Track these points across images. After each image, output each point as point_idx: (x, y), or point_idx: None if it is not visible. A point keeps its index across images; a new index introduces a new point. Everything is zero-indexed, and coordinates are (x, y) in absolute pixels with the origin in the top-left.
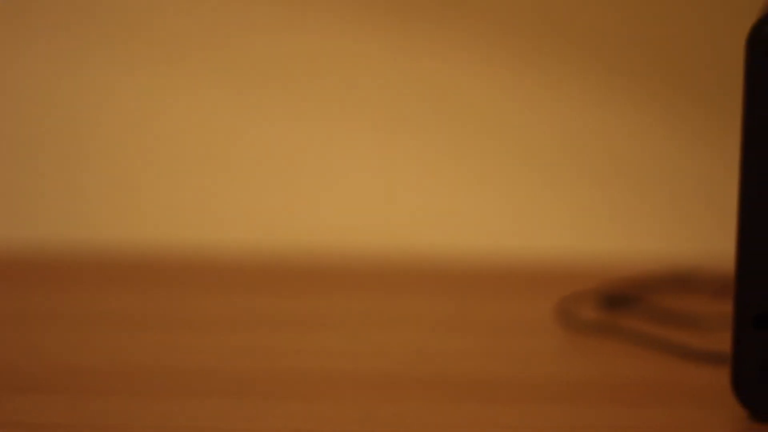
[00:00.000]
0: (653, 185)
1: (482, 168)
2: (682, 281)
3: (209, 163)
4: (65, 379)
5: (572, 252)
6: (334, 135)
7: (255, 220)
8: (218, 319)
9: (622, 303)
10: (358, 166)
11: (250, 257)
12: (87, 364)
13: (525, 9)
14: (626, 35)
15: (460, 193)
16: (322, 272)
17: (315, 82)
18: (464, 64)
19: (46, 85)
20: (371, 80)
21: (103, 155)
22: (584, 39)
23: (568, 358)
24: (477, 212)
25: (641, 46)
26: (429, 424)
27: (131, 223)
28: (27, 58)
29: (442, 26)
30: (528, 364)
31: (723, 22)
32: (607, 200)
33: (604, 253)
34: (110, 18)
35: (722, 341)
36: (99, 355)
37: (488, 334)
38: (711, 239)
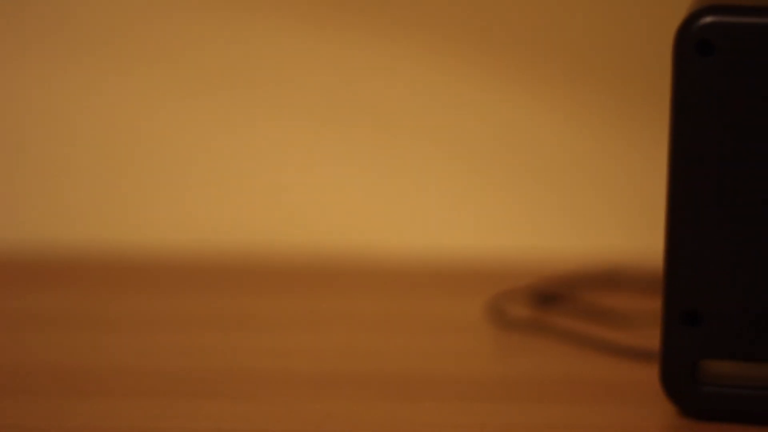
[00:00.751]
0: (583, 184)
1: (415, 167)
2: (612, 278)
3: (133, 164)
4: None
5: (503, 250)
6: (271, 136)
7: (185, 220)
8: (148, 319)
9: (553, 300)
10: (293, 165)
11: (181, 257)
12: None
13: (458, 13)
14: (555, 36)
15: (393, 192)
16: (256, 272)
17: (264, 84)
18: (396, 67)
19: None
20: (315, 83)
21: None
22: (515, 41)
23: (499, 355)
24: (409, 211)
25: (570, 46)
26: (360, 423)
27: (56, 224)
28: None
29: (381, 29)
30: (459, 362)
31: (651, 20)
32: (537, 199)
33: (535, 251)
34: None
35: (652, 338)
36: (24, 355)
37: (420, 333)
38: (640, 236)
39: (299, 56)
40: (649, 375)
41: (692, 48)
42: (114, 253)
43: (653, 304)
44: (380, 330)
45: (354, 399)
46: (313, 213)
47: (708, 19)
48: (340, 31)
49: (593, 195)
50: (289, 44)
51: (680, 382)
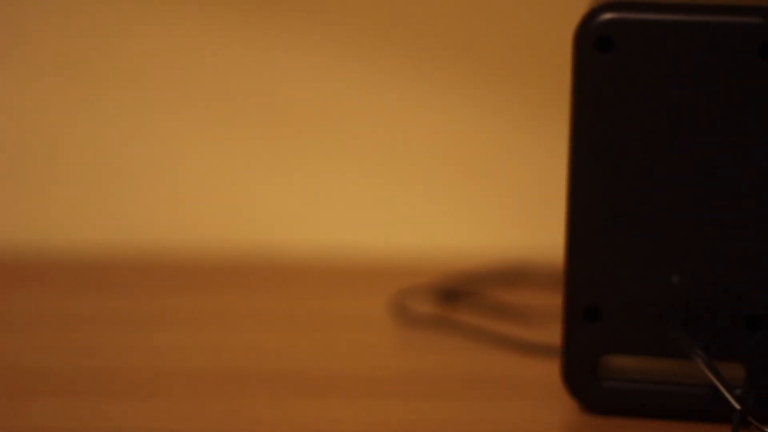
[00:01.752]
0: (486, 181)
1: (320, 166)
2: (515, 275)
3: (39, 164)
4: None
5: (406, 247)
6: (173, 134)
7: (91, 218)
8: (50, 319)
9: (456, 297)
10: (202, 164)
11: (87, 256)
12: None
13: (370, 14)
14: (456, 34)
15: (297, 190)
16: (162, 270)
17: (173, 81)
18: (305, 63)
19: None
20: (236, 82)
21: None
22: (416, 39)
23: (403, 352)
24: (315, 209)
25: (470, 44)
26: (265, 420)
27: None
28: None
29: (295, 24)
30: (362, 358)
31: (552, 17)
32: (441, 196)
33: (439, 248)
34: None
35: (555, 334)
36: None
37: (323, 330)
38: (544, 233)
39: (185, 62)
40: (552, 371)
41: (591, 44)
42: (14, 253)
43: (557, 301)
44: (284, 327)
45: (259, 396)
46: (220, 211)
47: (607, 16)
48: (282, 34)
49: (496, 192)
50: (225, 44)
51: (581, 378)
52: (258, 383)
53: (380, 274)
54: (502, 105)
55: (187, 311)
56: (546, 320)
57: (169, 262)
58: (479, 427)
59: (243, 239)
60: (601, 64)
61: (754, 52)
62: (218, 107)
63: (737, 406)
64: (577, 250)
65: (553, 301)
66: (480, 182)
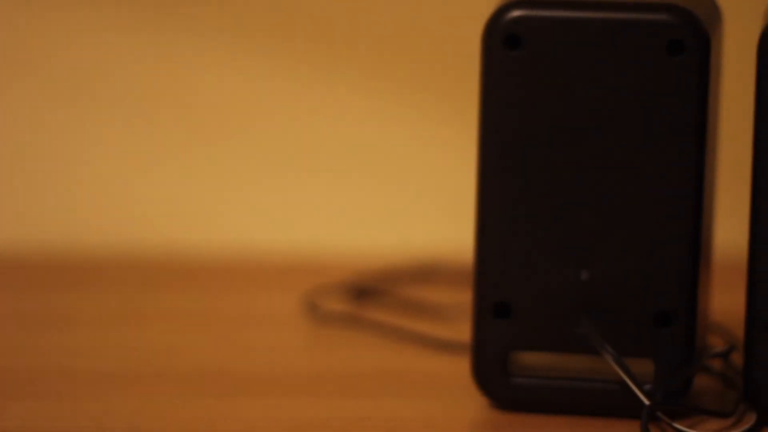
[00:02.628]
0: (396, 178)
1: (229, 163)
2: (428, 272)
3: None
4: None
5: (318, 245)
6: (71, 129)
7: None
8: None
9: (367, 295)
10: (106, 164)
11: None
12: None
13: (270, 8)
14: (369, 33)
15: (206, 188)
16: (68, 269)
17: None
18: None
19: None
20: (124, 78)
21: None
22: (329, 37)
23: (314, 350)
24: (224, 207)
25: (382, 43)
26: (173, 419)
27: None
28: None
29: (209, 26)
30: (273, 357)
31: (460, 15)
32: (351, 193)
33: (350, 246)
34: None
35: (467, 330)
36: None
37: (234, 328)
38: (456, 230)
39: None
40: (462, 367)
41: (499, 42)
42: None
43: (468, 298)
44: (194, 327)
45: (168, 396)
46: (131, 210)
47: (515, 14)
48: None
49: (407, 190)
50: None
51: (491, 374)
52: (167, 383)
53: (292, 272)
54: (410, 103)
55: (96, 310)
56: (457, 317)
57: (80, 262)
58: (390, 425)
59: (153, 239)
60: (509, 61)
61: (663, 49)
62: (123, 107)
63: (646, 402)
64: (487, 246)
65: (464, 298)
66: (390, 180)
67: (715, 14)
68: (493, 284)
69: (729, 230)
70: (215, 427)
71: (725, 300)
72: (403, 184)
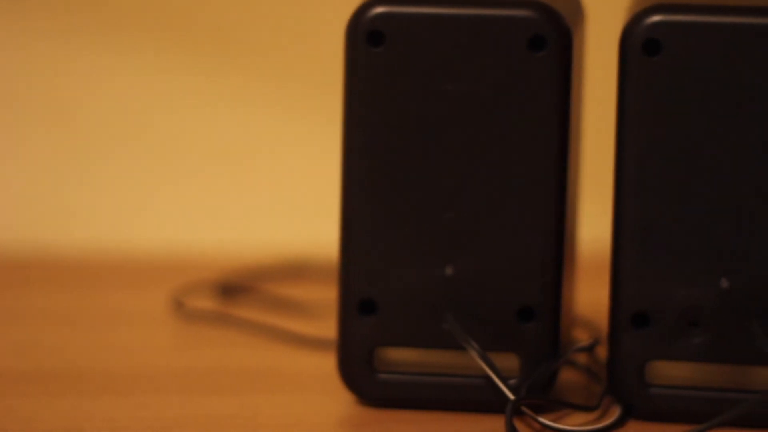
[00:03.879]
0: (263, 175)
1: (97, 161)
2: (294, 269)
3: None
4: None
5: (185, 243)
6: None
7: None
8: None
9: (235, 292)
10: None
11: None
12: None
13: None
14: (230, 27)
15: (71, 185)
16: None
17: None
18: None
19: None
20: None
21: None
22: (189, 30)
23: (180, 348)
24: (90, 204)
25: (245, 37)
26: (38, 419)
27: None
28: None
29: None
30: (139, 355)
31: (325, 10)
32: (219, 191)
33: (217, 244)
34: None
35: (333, 328)
36: None
37: (100, 327)
38: (321, 227)
39: None
40: (329, 364)
41: (363, 38)
42: None
43: (335, 295)
44: (61, 324)
45: (34, 395)
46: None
47: (378, 10)
48: None
49: (274, 187)
50: None
51: (356, 370)
52: (33, 382)
53: (159, 271)
54: (277, 100)
55: None
56: (325, 314)
57: None
58: (256, 422)
59: (20, 237)
60: (373, 58)
61: (524, 44)
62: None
63: (510, 396)
64: (351, 243)
65: (332, 295)
66: (258, 177)
67: (578, 11)
68: (358, 281)
69: (593, 226)
70: (81, 427)
71: (590, 294)
72: (271, 181)
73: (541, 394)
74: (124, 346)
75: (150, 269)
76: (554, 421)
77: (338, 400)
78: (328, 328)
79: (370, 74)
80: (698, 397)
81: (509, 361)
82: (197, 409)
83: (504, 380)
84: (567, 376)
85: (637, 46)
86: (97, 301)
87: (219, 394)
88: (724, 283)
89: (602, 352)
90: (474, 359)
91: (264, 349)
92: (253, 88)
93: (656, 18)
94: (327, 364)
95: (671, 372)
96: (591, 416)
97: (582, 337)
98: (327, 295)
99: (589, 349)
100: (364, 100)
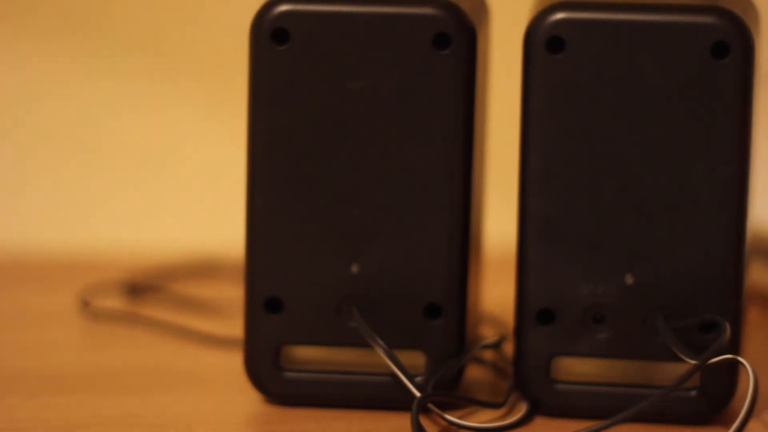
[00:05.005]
0: (172, 175)
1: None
2: (202, 268)
3: None
4: None
5: (93, 242)
6: None
7: None
8: None
9: (142, 292)
10: None
11: None
12: None
13: None
14: (136, 24)
15: None
16: None
17: None
18: None
19: None
20: None
21: None
22: (96, 28)
23: (87, 348)
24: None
25: (153, 36)
26: None
27: None
28: None
29: None
30: (45, 356)
31: (232, 8)
32: (127, 190)
33: (125, 243)
34: None
35: (241, 326)
36: None
37: (7, 327)
38: (229, 226)
39: None
40: (238, 363)
41: (267, 36)
42: None
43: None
44: None
45: None
46: None
47: (282, 8)
48: None
49: (184, 186)
50: None
51: (263, 369)
52: None
53: (66, 269)
54: (185, 100)
55: None
56: (233, 313)
57: None
58: (162, 420)
59: None
60: (277, 56)
61: (429, 42)
62: None
63: (417, 394)
64: (257, 242)
65: (240, 293)
66: (165, 177)
67: (482, 8)
68: (264, 279)
69: (499, 223)
70: None
71: (497, 291)
72: (179, 181)
73: (448, 391)
74: (30, 345)
75: (57, 268)
76: (461, 418)
77: (245, 398)
78: (236, 327)
79: (275, 72)
80: (603, 392)
81: (416, 359)
82: (103, 410)
83: (410, 378)
84: (474, 373)
85: (541, 44)
86: (3, 301)
87: (125, 394)
88: (629, 279)
89: (509, 348)
90: (380, 357)
91: (171, 349)
92: (160, 89)
93: (559, 16)
94: (234, 363)
95: (577, 368)
96: (498, 413)
97: (489, 334)
98: (235, 294)
99: (496, 345)
100: (268, 98)
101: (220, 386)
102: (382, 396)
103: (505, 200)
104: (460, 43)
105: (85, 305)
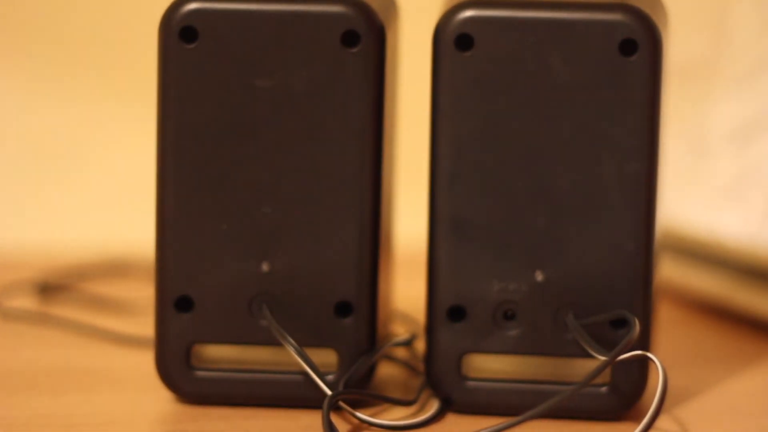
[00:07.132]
0: (82, 173)
1: None
2: (114, 268)
3: None
4: None
5: (3, 242)
6: None
7: None
8: None
9: (54, 291)
10: None
11: None
12: None
13: None
14: (45, 21)
15: None
16: None
17: None
18: None
19: None
20: None
21: None
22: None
23: (0, 348)
24: None
25: (62, 33)
26: None
27: None
28: None
29: None
30: None
31: (139, 9)
32: (38, 189)
33: (36, 243)
34: None
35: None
36: None
37: None
38: (140, 225)
39: None
40: (149, 362)
41: (176, 35)
42: None
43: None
44: None
45: None
46: None
47: (191, 6)
48: None
49: (94, 185)
50: None
51: (174, 368)
52: None
53: None
54: (95, 98)
55: None
56: (145, 312)
57: None
58: (71, 420)
59: None
60: (186, 54)
61: (337, 40)
62: None
63: (328, 392)
64: (167, 240)
65: (152, 293)
66: (76, 175)
67: (391, 6)
68: (174, 278)
69: (410, 221)
70: None
71: (408, 289)
72: (90, 180)
73: (359, 389)
74: None
75: None
76: (372, 415)
77: (156, 398)
78: (147, 326)
79: (184, 71)
80: (514, 389)
81: (327, 357)
82: (11, 410)
83: (321, 376)
84: (385, 370)
85: (450, 42)
86: None
87: (36, 394)
88: (539, 276)
89: (420, 346)
90: (291, 355)
91: (82, 348)
92: (70, 87)
93: (468, 13)
94: (146, 362)
95: (488, 365)
96: (409, 410)
97: (400, 332)
98: (147, 294)
99: (407, 343)
100: (177, 96)
101: (131, 385)
102: (294, 394)
103: (415, 198)
104: (369, 41)
105: None
